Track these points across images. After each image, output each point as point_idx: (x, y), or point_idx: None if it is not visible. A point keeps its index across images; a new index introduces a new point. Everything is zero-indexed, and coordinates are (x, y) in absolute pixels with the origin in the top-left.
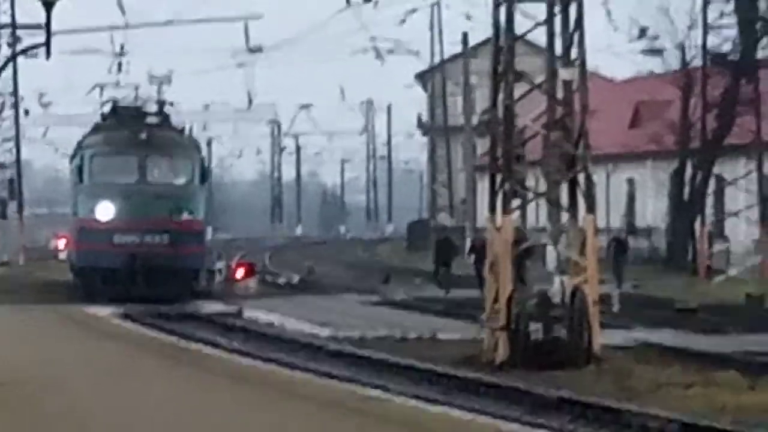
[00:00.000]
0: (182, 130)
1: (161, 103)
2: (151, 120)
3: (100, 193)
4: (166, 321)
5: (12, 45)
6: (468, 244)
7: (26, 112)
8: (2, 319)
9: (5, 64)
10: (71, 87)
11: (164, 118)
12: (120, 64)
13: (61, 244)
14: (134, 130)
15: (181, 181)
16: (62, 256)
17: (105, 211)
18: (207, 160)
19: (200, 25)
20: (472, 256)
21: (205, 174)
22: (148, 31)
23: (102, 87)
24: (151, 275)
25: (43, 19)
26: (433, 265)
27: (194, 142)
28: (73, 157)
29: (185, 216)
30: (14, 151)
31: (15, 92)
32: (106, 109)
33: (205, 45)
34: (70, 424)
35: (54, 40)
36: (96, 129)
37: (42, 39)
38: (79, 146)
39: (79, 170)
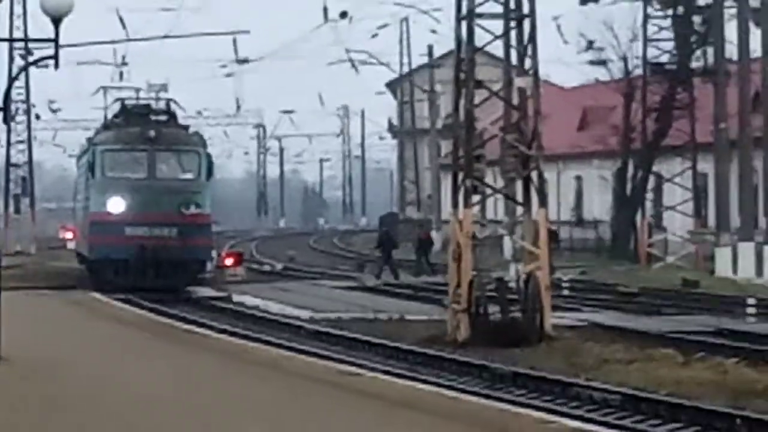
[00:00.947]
0: (188, 128)
1: (168, 102)
2: (159, 118)
3: (111, 187)
4: (162, 305)
5: (24, 57)
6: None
7: (37, 117)
8: (15, 303)
9: (18, 74)
10: (78, 94)
11: (171, 116)
12: (121, 74)
13: (69, 235)
14: (144, 127)
15: (188, 176)
16: (70, 245)
17: (116, 204)
18: (212, 157)
19: (194, 39)
20: (418, 248)
21: (211, 169)
22: (147, 44)
23: (106, 89)
24: (160, 266)
25: (52, 34)
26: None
27: (201, 138)
28: (81, 155)
29: (193, 210)
30: (26, 152)
31: (27, 99)
32: (116, 107)
33: (198, 57)
34: (78, 390)
35: (62, 53)
36: (106, 126)
37: (51, 51)
38: (90, 143)
39: (91, 166)
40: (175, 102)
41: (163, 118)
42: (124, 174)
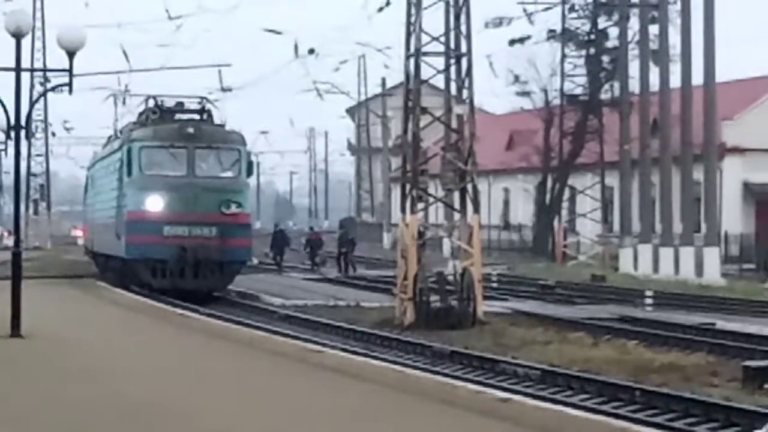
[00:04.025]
0: (224, 125)
1: (202, 99)
2: (195, 116)
3: (150, 185)
4: (146, 290)
5: (43, 84)
6: (386, 237)
7: (53, 134)
8: (33, 289)
9: (38, 99)
10: (88, 115)
11: (207, 113)
12: (124, 99)
13: (79, 233)
14: (182, 124)
15: (228, 174)
16: (80, 242)
17: (155, 203)
18: (251, 155)
19: (184, 70)
20: (308, 248)
21: (250, 168)
22: (145, 74)
23: (115, 96)
24: (199, 267)
25: (67, 65)
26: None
27: (240, 137)
28: (92, 165)
29: (233, 209)
30: (44, 163)
31: (45, 119)
32: (150, 103)
33: (188, 85)
34: (87, 360)
35: (75, 81)
36: (142, 123)
37: (66, 80)
38: (126, 140)
39: (128, 163)
40: (209, 100)
41: (199, 116)
42: (162, 172)
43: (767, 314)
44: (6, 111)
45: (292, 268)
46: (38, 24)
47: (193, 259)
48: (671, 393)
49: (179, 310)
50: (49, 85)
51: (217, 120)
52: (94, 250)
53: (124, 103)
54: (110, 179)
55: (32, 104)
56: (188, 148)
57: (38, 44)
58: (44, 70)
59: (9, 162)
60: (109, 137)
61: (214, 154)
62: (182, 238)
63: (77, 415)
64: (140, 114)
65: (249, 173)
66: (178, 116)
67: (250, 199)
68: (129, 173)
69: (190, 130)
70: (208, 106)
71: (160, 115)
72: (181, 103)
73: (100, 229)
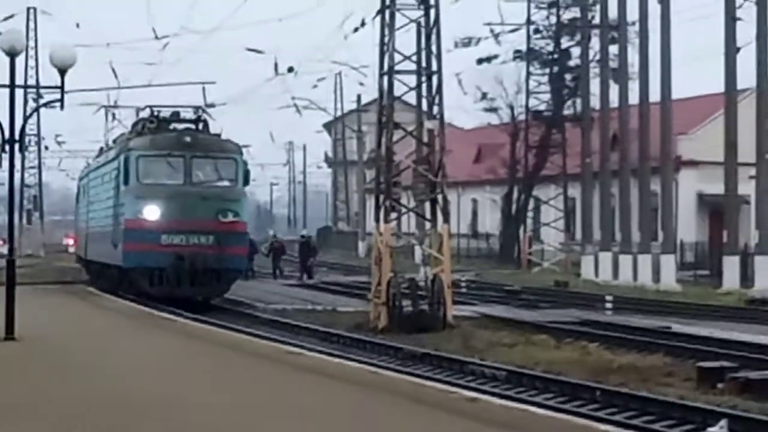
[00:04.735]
0: (220, 135)
1: (198, 109)
2: (191, 125)
3: (147, 194)
4: (143, 298)
5: (36, 100)
6: (361, 245)
7: (46, 148)
8: (27, 295)
9: (31, 114)
10: (78, 129)
11: (204, 123)
12: (114, 114)
13: (71, 242)
14: (179, 133)
15: (225, 183)
16: (71, 250)
17: (152, 211)
18: (248, 164)
19: (170, 87)
20: (271, 255)
21: (247, 177)
22: (133, 90)
23: (107, 108)
24: (197, 275)
25: (59, 82)
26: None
27: (237, 146)
28: (82, 177)
29: (230, 217)
30: (37, 175)
31: (38, 134)
32: (145, 113)
33: (174, 101)
34: (78, 359)
35: (66, 97)
36: (139, 133)
37: (58, 96)
38: (122, 150)
39: (125, 173)
40: (204, 110)
41: (194, 125)
42: (159, 180)
43: (720, 318)
44: (1, 126)
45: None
46: (31, 43)
47: (191, 267)
48: (630, 392)
49: (165, 314)
50: (41, 101)
51: (212, 130)
52: (88, 258)
53: (114, 117)
54: (106, 188)
55: (26, 119)
56: (185, 157)
57: (31, 62)
58: (37, 87)
59: (3, 174)
60: (101, 149)
61: (211, 163)
62: (180, 247)
63: (70, 406)
64: (135, 124)
65: (246, 182)
66: (173, 126)
67: (247, 207)
68: (126, 182)
69: (188, 139)
70: (203, 116)
71: (157, 124)
72: (177, 113)
73: (95, 237)
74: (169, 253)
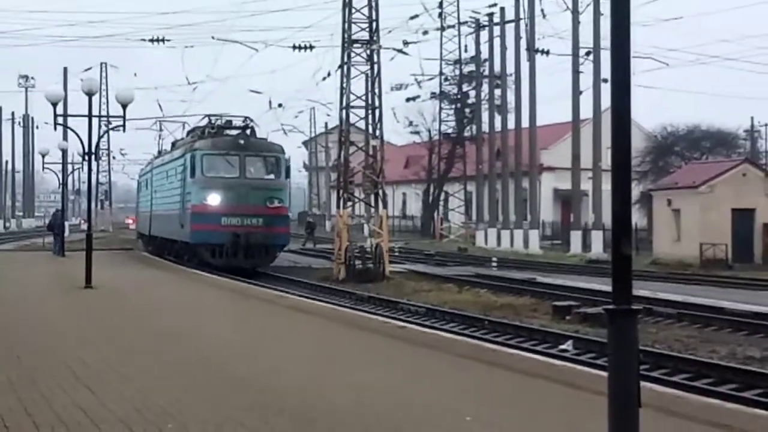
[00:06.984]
0: (266, 138)
1: (246, 118)
2: (242, 130)
3: (210, 184)
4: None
5: (106, 125)
6: (327, 224)
7: (113, 158)
8: (100, 256)
9: (103, 135)
10: (135, 145)
11: (251, 129)
12: (160, 136)
13: (130, 222)
14: (235, 136)
15: (271, 176)
16: (132, 227)
17: (214, 198)
18: (290, 161)
19: (197, 117)
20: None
21: (288, 171)
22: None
23: (161, 122)
24: (249, 249)
25: (121, 112)
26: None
27: (280, 147)
28: (142, 175)
29: (276, 203)
30: (107, 176)
31: (108, 147)
32: (203, 122)
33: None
34: (137, 302)
35: (127, 123)
36: (201, 136)
37: (121, 122)
38: (188, 149)
39: (191, 168)
40: (251, 119)
41: (245, 131)
42: (219, 174)
43: (569, 272)
44: (82, 143)
45: None
46: (103, 87)
47: (245, 242)
48: (508, 322)
49: (195, 270)
50: (110, 126)
51: (258, 134)
52: (152, 234)
53: (159, 136)
54: (171, 180)
55: (99, 138)
56: (240, 155)
57: (103, 100)
58: (108, 116)
59: (84, 176)
60: (156, 154)
61: (260, 160)
62: (236, 227)
63: (131, 334)
64: (191, 130)
65: (287, 175)
66: (226, 131)
67: (288, 196)
68: (192, 175)
69: (242, 141)
70: (251, 124)
71: (216, 130)
72: (230, 121)
73: (162, 219)
74: (227, 232)
